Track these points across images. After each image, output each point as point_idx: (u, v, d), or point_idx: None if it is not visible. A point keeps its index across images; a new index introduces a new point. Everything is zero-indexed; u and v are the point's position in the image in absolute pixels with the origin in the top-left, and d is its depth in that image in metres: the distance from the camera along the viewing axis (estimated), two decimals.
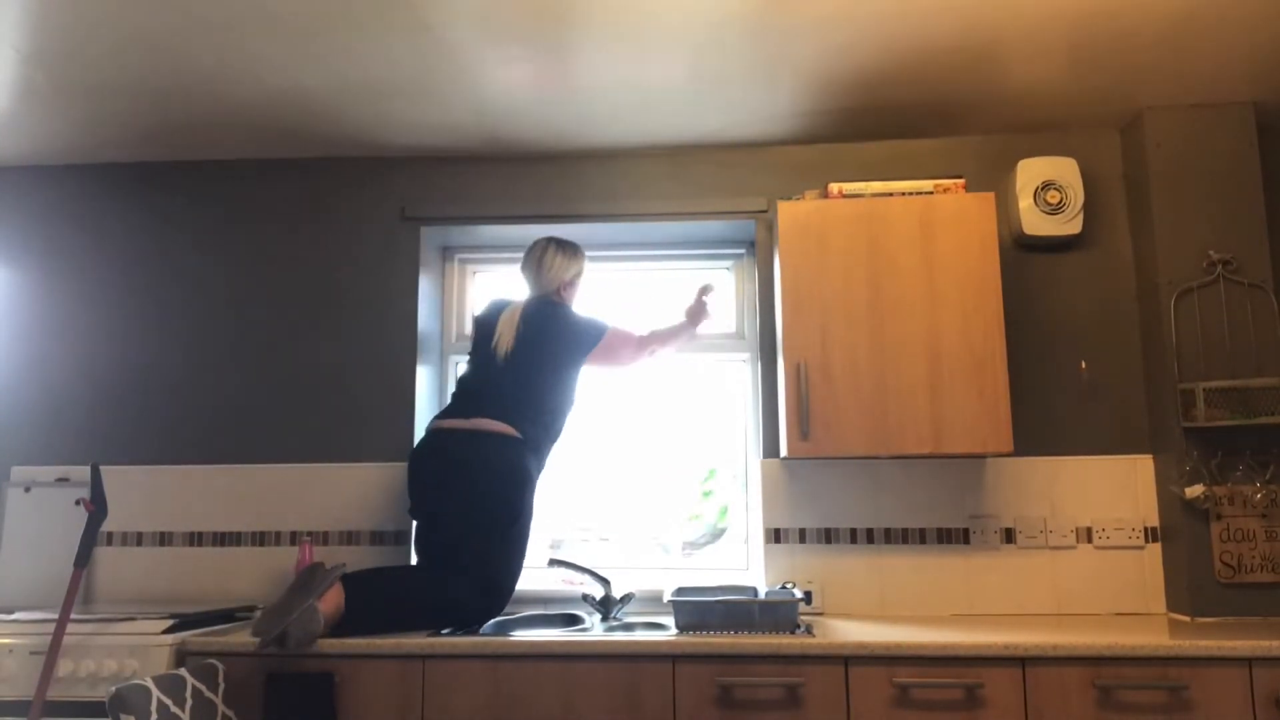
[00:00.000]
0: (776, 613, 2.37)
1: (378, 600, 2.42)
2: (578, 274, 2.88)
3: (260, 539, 2.97)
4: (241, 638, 2.36)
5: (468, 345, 3.24)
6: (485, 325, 2.81)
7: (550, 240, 2.87)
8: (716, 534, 3.18)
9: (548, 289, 2.83)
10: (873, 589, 2.83)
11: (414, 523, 2.84)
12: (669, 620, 2.60)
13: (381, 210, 3.13)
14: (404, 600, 2.46)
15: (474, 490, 2.56)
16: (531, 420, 2.65)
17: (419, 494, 2.65)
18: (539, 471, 2.70)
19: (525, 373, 2.69)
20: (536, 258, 2.85)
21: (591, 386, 3.04)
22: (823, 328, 2.66)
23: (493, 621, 2.64)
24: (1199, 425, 2.63)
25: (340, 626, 2.35)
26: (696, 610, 2.40)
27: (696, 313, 2.97)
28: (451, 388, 3.26)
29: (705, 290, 2.98)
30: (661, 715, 2.24)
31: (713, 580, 2.86)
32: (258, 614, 2.51)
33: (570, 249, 2.87)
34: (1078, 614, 2.76)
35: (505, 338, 2.72)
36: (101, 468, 2.96)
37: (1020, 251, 2.96)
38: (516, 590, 2.88)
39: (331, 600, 2.32)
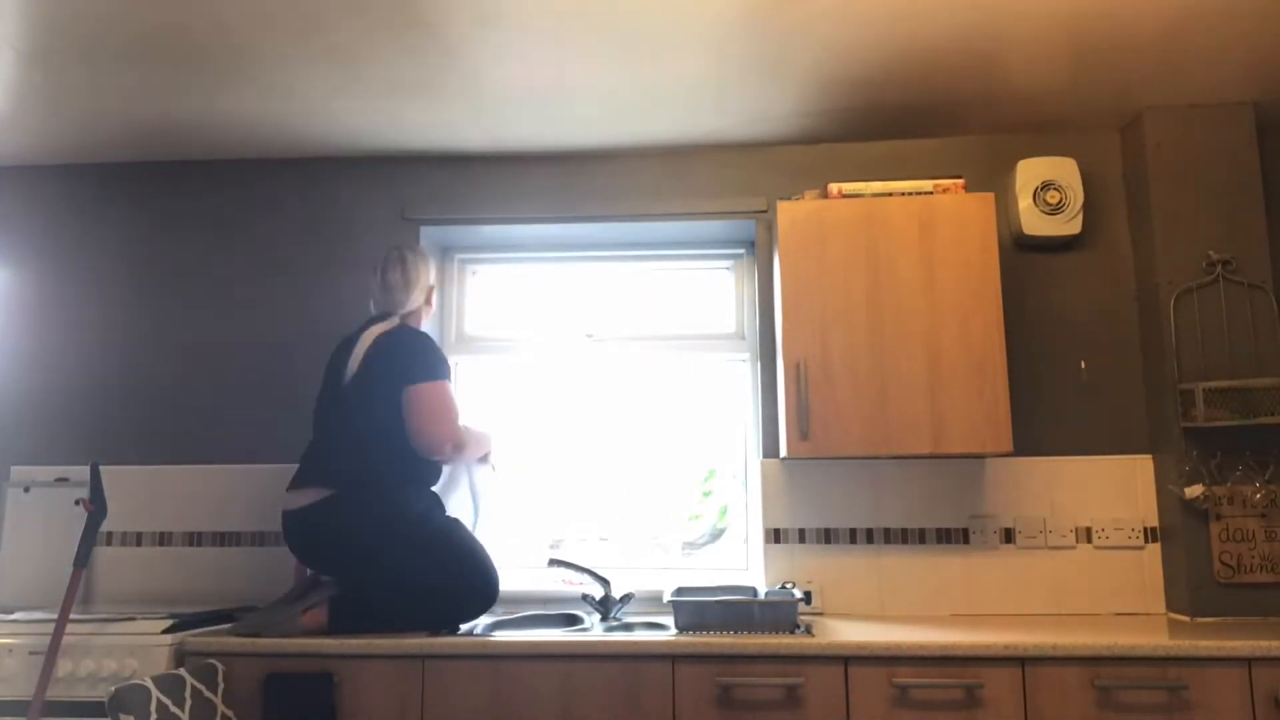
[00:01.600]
0: (776, 613, 2.38)
1: (362, 621, 2.42)
2: (432, 285, 2.70)
3: (260, 539, 2.97)
4: (241, 638, 2.36)
5: (468, 345, 3.26)
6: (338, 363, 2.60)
7: (407, 249, 2.67)
8: (716, 534, 3.18)
9: (412, 305, 2.64)
10: (872, 589, 2.83)
11: None
12: (669, 620, 2.60)
13: (381, 210, 3.13)
14: (389, 619, 2.44)
15: (355, 558, 2.46)
16: (382, 451, 2.48)
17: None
18: (405, 498, 2.50)
19: (367, 400, 2.49)
20: (403, 270, 2.63)
21: (592, 386, 3.03)
22: (822, 328, 2.66)
23: (492, 621, 2.64)
24: (1198, 425, 2.63)
25: (331, 632, 2.39)
26: (696, 610, 2.40)
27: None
28: (451, 387, 3.24)
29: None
30: (661, 715, 2.24)
31: (712, 580, 2.86)
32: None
33: (424, 253, 2.68)
34: (1077, 614, 2.76)
35: (351, 365, 2.52)
36: (101, 468, 2.95)
37: (1020, 251, 2.96)
38: (516, 590, 2.90)
39: (315, 618, 2.40)
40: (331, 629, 2.40)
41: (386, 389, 2.49)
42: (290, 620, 2.38)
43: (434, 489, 2.63)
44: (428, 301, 2.71)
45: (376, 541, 2.44)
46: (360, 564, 2.46)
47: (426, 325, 2.75)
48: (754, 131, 2.98)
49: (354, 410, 2.50)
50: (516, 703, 2.27)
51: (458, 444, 2.53)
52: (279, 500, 2.97)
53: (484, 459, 2.73)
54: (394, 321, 2.60)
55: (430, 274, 2.69)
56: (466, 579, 2.48)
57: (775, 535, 2.88)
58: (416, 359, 2.53)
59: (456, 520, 2.59)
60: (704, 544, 3.18)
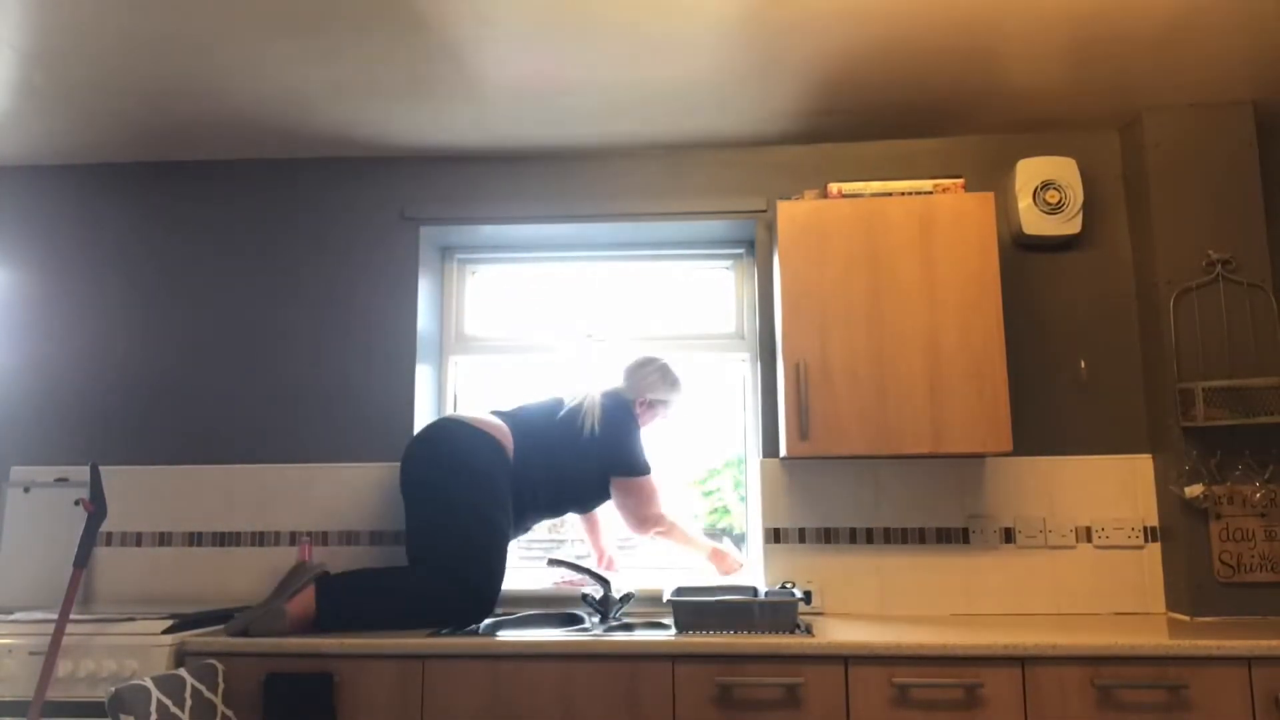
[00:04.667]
0: (776, 612, 2.38)
1: (348, 604, 2.45)
2: (664, 401, 2.88)
3: (260, 539, 2.97)
4: (240, 638, 2.36)
5: (468, 345, 3.26)
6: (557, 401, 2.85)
7: (663, 364, 2.90)
8: (716, 534, 3.18)
9: (631, 394, 2.86)
10: (872, 589, 2.83)
11: None
12: (669, 620, 2.60)
13: (381, 210, 3.13)
14: (375, 604, 2.47)
15: (429, 474, 2.63)
16: (537, 466, 2.69)
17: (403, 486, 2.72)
18: (508, 479, 2.66)
19: (584, 453, 2.74)
20: (638, 362, 2.91)
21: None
22: (822, 327, 2.66)
23: (491, 621, 2.64)
24: (1198, 425, 2.63)
25: (318, 627, 2.41)
26: (696, 610, 2.40)
27: (718, 564, 2.89)
28: (451, 388, 3.25)
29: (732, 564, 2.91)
30: (661, 715, 2.24)
31: (712, 580, 2.85)
32: None
33: (674, 378, 2.90)
34: (1077, 614, 2.76)
35: (590, 410, 2.77)
36: (101, 468, 2.95)
37: (1019, 251, 2.96)
38: (516, 590, 2.90)
39: (301, 603, 2.41)
40: (319, 611, 2.41)
41: (588, 456, 2.74)
42: (276, 615, 2.38)
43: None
44: (642, 406, 2.86)
45: (459, 479, 2.58)
46: (439, 491, 2.58)
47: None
48: (754, 131, 2.98)
49: (548, 427, 2.76)
50: (516, 703, 2.27)
51: (665, 528, 2.79)
52: (279, 500, 2.98)
53: (714, 564, 2.89)
54: (610, 391, 2.86)
55: (656, 391, 2.87)
56: (467, 587, 2.51)
57: (775, 535, 2.88)
58: (624, 447, 2.77)
59: (506, 534, 2.62)
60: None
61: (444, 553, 2.54)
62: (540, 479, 2.70)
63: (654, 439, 2.90)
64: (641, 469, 2.76)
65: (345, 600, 2.45)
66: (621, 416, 2.78)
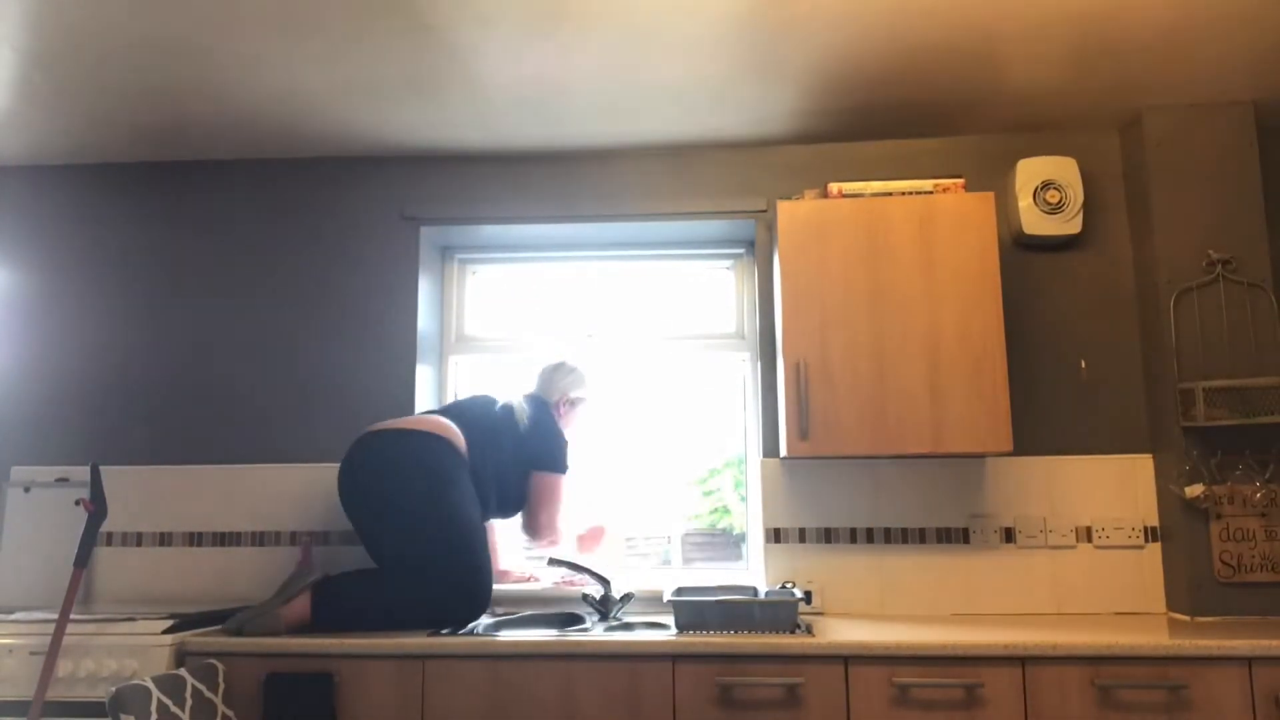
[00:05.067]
0: (776, 612, 2.38)
1: (345, 611, 2.44)
2: (580, 399, 2.93)
3: (260, 539, 2.97)
4: (237, 637, 2.37)
5: (468, 345, 3.26)
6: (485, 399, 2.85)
7: (574, 363, 2.96)
8: (716, 534, 3.18)
9: (549, 397, 2.89)
10: (873, 589, 2.83)
11: None
12: (669, 620, 2.59)
13: (381, 210, 3.13)
14: (371, 610, 2.45)
15: (381, 492, 2.56)
16: (487, 460, 2.68)
17: (347, 514, 2.65)
18: (466, 473, 2.63)
19: (523, 442, 2.75)
20: (553, 365, 2.94)
21: (592, 386, 3.03)
22: (822, 327, 2.66)
23: (492, 621, 2.64)
24: (1198, 425, 2.63)
25: (314, 630, 2.40)
26: (696, 610, 2.40)
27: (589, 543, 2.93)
28: (451, 387, 3.26)
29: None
30: (661, 715, 2.24)
31: (713, 580, 2.85)
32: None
33: (584, 375, 2.95)
34: (1077, 614, 2.76)
35: (520, 408, 2.79)
36: (101, 468, 2.95)
37: (1020, 251, 2.96)
38: (516, 590, 2.90)
39: (297, 608, 2.41)
40: (314, 617, 2.41)
41: (519, 446, 2.75)
42: (271, 615, 2.39)
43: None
44: (563, 405, 2.90)
45: (414, 487, 2.52)
46: (388, 505, 2.53)
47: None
48: (754, 131, 2.98)
49: (489, 418, 2.75)
50: (516, 703, 2.27)
51: (556, 540, 2.81)
52: (279, 500, 2.97)
53: (583, 544, 2.92)
54: (530, 394, 2.88)
55: (575, 389, 2.92)
56: (459, 585, 2.49)
57: (775, 535, 2.88)
58: (549, 443, 2.79)
59: (481, 528, 2.61)
60: (704, 543, 3.19)
61: (424, 558, 2.49)
62: (493, 475, 2.70)
63: (578, 442, 2.95)
64: (561, 467, 2.80)
65: (341, 607, 2.44)
66: (547, 414, 2.83)
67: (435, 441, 2.59)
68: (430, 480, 2.54)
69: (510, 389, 2.88)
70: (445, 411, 2.75)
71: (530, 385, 2.94)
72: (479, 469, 2.66)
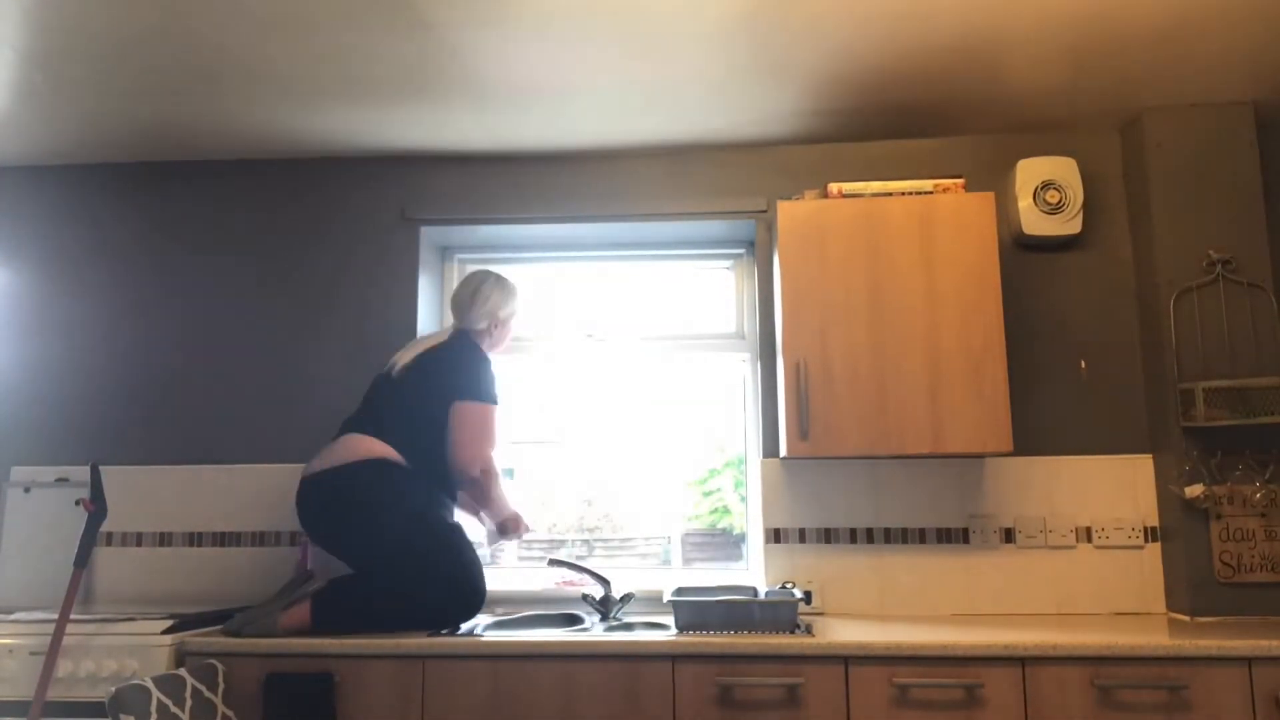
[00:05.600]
0: (776, 612, 2.38)
1: (344, 616, 2.42)
2: (512, 312, 2.79)
3: (260, 539, 2.97)
4: (237, 638, 2.37)
5: None
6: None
7: (490, 273, 2.79)
8: (716, 534, 3.18)
9: (474, 324, 2.72)
10: (872, 589, 2.83)
11: None
12: (669, 620, 2.59)
13: (381, 210, 3.13)
14: (370, 616, 2.43)
15: (347, 534, 2.50)
16: (404, 440, 2.54)
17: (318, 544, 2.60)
18: (413, 489, 2.55)
19: (411, 392, 2.58)
20: (470, 291, 2.74)
21: (592, 386, 3.03)
22: (822, 328, 2.66)
23: (492, 621, 2.64)
24: (1198, 425, 2.63)
25: (314, 635, 2.38)
26: (696, 610, 2.40)
27: (514, 529, 2.70)
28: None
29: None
30: (661, 715, 2.24)
31: (713, 580, 2.86)
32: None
33: (508, 283, 2.78)
34: (1077, 614, 2.76)
35: (403, 357, 2.64)
36: (101, 468, 2.95)
37: (1020, 251, 2.95)
38: (516, 590, 2.90)
39: (297, 615, 2.40)
40: (314, 625, 2.40)
41: (438, 395, 2.57)
42: (270, 619, 2.39)
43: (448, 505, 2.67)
44: (495, 329, 2.74)
45: (376, 519, 2.47)
46: (356, 541, 2.48)
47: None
48: (754, 131, 2.98)
49: (399, 403, 2.57)
50: (516, 703, 2.27)
51: (488, 470, 2.59)
52: (279, 500, 2.97)
53: (503, 530, 2.68)
54: (450, 332, 2.70)
55: (505, 306, 2.75)
56: (452, 582, 2.48)
57: (775, 535, 2.88)
58: (468, 374, 2.59)
59: (457, 525, 2.59)
60: (704, 544, 3.19)
61: (414, 572, 2.46)
62: (433, 456, 2.56)
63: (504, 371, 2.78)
64: (487, 396, 2.59)
65: (342, 614, 2.42)
66: (467, 349, 2.64)
67: (371, 468, 2.49)
68: (390, 510, 2.48)
69: (415, 344, 2.68)
70: (364, 420, 2.60)
71: (449, 325, 2.78)
72: (418, 463, 2.55)
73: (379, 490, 2.49)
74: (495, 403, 2.62)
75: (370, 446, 2.52)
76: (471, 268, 3.32)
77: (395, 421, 2.56)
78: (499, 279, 2.78)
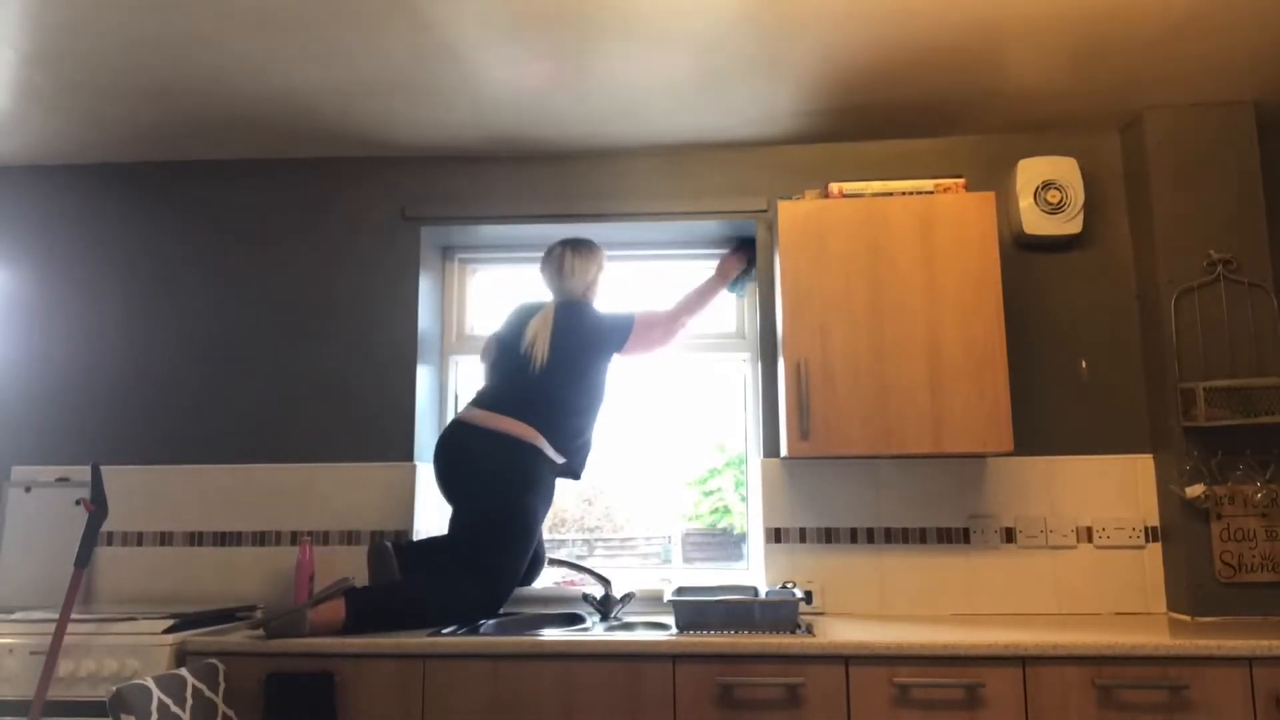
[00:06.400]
0: (777, 612, 2.38)
1: (381, 615, 2.47)
2: (599, 272, 2.92)
3: (260, 539, 2.97)
4: (241, 638, 2.37)
5: (468, 345, 3.26)
6: (513, 329, 2.85)
7: (566, 244, 2.91)
8: (716, 534, 3.18)
9: (573, 294, 2.87)
10: (873, 589, 2.82)
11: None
12: (669, 620, 2.59)
13: (382, 210, 3.13)
14: (407, 611, 2.51)
15: (475, 486, 2.65)
16: (558, 428, 2.72)
17: (439, 482, 2.77)
18: (551, 477, 2.74)
19: (559, 381, 2.74)
20: (556, 264, 2.89)
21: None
22: (823, 327, 2.66)
23: (493, 621, 2.64)
24: (1199, 425, 2.63)
25: (345, 633, 2.40)
26: (696, 610, 2.40)
27: (728, 269, 3.03)
28: (452, 387, 3.25)
29: (736, 247, 3.07)
30: (661, 715, 2.24)
31: (713, 580, 2.86)
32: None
33: (586, 249, 2.91)
34: (1078, 613, 2.76)
35: (540, 347, 2.75)
36: (101, 468, 2.95)
37: (1020, 251, 2.95)
38: (517, 590, 2.90)
39: (326, 613, 2.41)
40: (348, 618, 2.41)
41: (592, 359, 2.80)
42: (298, 620, 2.36)
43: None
44: (589, 290, 2.90)
45: (506, 488, 2.64)
46: (478, 490, 2.66)
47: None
48: (754, 131, 2.98)
49: (550, 390, 2.74)
50: (517, 702, 2.27)
51: (676, 321, 2.94)
52: (279, 500, 2.97)
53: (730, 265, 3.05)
54: (555, 307, 2.85)
55: (589, 270, 2.90)
56: (499, 576, 2.60)
57: (776, 535, 2.87)
58: (607, 324, 2.85)
59: (540, 535, 2.76)
60: (704, 543, 3.19)
61: (481, 561, 2.60)
62: (581, 431, 2.78)
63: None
64: (628, 317, 2.86)
65: (376, 609, 2.47)
66: (586, 315, 2.84)
67: (529, 451, 2.67)
68: (517, 489, 2.64)
69: (540, 316, 2.82)
70: (506, 407, 2.72)
71: (552, 296, 2.90)
72: (570, 450, 2.76)
73: (522, 470, 2.66)
74: (634, 317, 2.87)
75: (526, 431, 2.68)
76: (472, 268, 3.33)
77: (543, 407, 2.72)
78: (574, 247, 2.90)
